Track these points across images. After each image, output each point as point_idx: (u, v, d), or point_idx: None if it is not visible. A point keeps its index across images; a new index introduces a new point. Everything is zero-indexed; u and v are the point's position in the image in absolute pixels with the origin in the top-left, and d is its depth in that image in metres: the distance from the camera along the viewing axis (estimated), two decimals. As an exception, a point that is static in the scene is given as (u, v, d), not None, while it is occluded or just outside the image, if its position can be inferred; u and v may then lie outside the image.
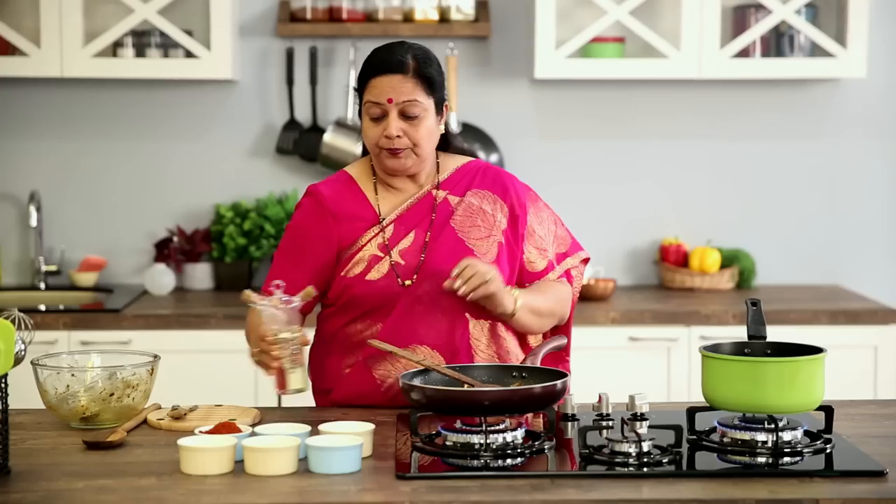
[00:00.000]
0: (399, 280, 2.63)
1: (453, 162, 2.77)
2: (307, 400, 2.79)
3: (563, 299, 2.76)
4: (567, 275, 2.80)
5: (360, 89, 2.68)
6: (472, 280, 2.54)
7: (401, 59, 2.62)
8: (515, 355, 2.70)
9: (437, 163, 2.75)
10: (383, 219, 2.68)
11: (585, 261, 2.84)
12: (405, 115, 2.61)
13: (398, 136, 2.61)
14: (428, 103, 2.63)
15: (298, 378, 2.46)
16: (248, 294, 2.47)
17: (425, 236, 2.67)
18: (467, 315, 2.65)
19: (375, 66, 2.63)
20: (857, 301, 4.33)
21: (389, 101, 2.61)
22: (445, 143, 2.78)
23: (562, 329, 2.81)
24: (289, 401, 4.04)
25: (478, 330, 2.66)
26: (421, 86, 2.62)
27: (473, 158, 2.80)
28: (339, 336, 2.69)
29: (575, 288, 2.82)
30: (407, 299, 2.63)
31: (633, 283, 4.69)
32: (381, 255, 2.65)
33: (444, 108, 2.69)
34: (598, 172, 4.66)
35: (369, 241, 2.66)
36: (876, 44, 4.57)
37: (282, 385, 2.47)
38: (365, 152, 2.77)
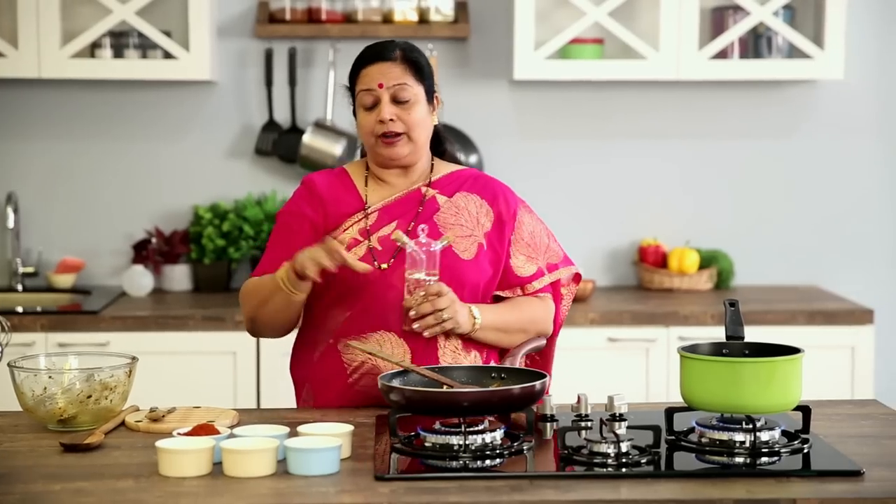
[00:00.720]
0: (376, 263, 2.65)
1: (447, 167, 2.81)
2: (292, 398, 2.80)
3: (539, 316, 2.76)
4: (556, 288, 2.80)
5: (352, 85, 2.74)
6: (427, 319, 2.58)
7: (388, 49, 2.71)
8: (478, 347, 2.70)
9: (432, 164, 2.78)
10: (368, 206, 2.71)
11: (577, 279, 2.85)
12: (397, 101, 2.67)
13: (391, 120, 2.66)
14: (418, 90, 2.69)
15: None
16: (399, 234, 2.61)
17: (407, 226, 2.69)
18: None
19: (365, 58, 2.72)
20: (835, 302, 4.35)
21: (380, 85, 2.67)
22: (441, 149, 2.82)
23: (547, 342, 2.81)
24: (268, 401, 4.04)
25: None
26: (409, 71, 2.69)
27: (468, 168, 2.83)
28: (316, 321, 2.71)
29: (564, 306, 2.83)
30: (379, 285, 2.64)
31: (611, 283, 4.70)
32: (360, 239, 2.68)
33: (434, 100, 2.73)
34: (577, 173, 4.67)
35: (351, 225, 2.70)
36: (853, 45, 4.59)
37: (409, 322, 2.60)
38: (364, 154, 2.81)
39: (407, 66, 2.69)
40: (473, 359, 2.69)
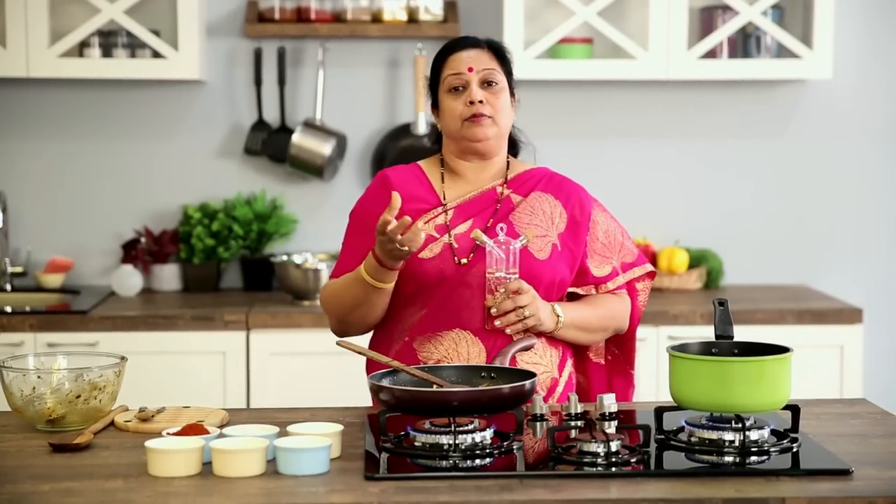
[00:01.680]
0: (455, 258, 2.65)
1: (521, 166, 2.83)
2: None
3: (618, 313, 2.79)
4: (631, 286, 2.83)
5: (437, 73, 2.74)
6: (509, 316, 2.59)
7: (475, 38, 2.76)
8: (554, 345, 2.71)
9: (507, 162, 2.79)
10: (446, 203, 2.72)
11: (651, 275, 2.87)
12: (485, 84, 2.69)
13: (481, 102, 2.67)
14: (503, 79, 2.72)
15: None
16: (479, 232, 2.62)
17: (485, 225, 2.69)
18: None
19: (453, 45, 2.75)
20: (823, 301, 4.36)
21: (470, 69, 2.70)
22: (514, 151, 2.85)
23: (626, 338, 2.85)
24: (258, 401, 4.04)
25: None
26: (496, 60, 2.72)
27: (542, 167, 2.84)
28: (391, 319, 2.70)
29: (640, 302, 2.85)
30: (455, 283, 2.64)
31: (601, 283, 4.70)
32: (436, 235, 2.67)
33: (514, 96, 2.76)
34: (565, 173, 4.65)
35: (428, 221, 2.69)
36: (842, 45, 4.61)
37: (491, 321, 2.61)
38: (432, 151, 2.82)
39: (494, 55, 2.72)
40: (550, 358, 2.70)
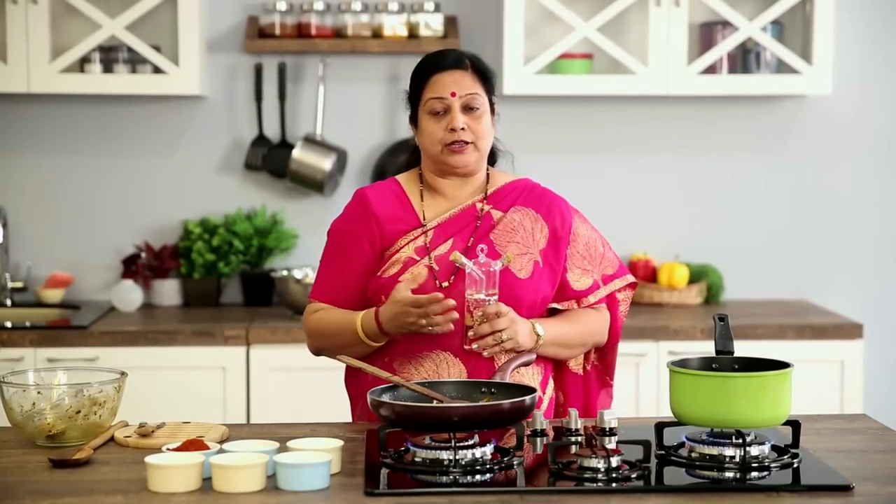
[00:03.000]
0: (436, 281, 2.64)
1: (502, 178, 2.81)
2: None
3: (597, 328, 2.78)
4: (612, 297, 2.82)
5: (417, 91, 2.71)
6: (486, 340, 2.59)
7: (458, 57, 2.71)
8: (535, 363, 2.71)
9: (487, 175, 2.78)
10: (425, 223, 2.70)
11: (633, 286, 2.86)
12: (467, 109, 2.67)
13: (462, 129, 2.65)
14: (485, 101, 2.70)
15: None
16: (458, 255, 2.58)
17: (465, 244, 2.68)
18: None
19: (435, 65, 2.70)
20: (824, 316, 4.36)
21: (453, 94, 2.66)
22: (493, 159, 2.83)
23: (607, 349, 2.84)
24: (258, 416, 4.04)
25: None
26: (479, 81, 2.69)
27: (523, 178, 2.83)
28: None
29: (621, 312, 2.84)
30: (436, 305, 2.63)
31: (601, 298, 4.69)
32: (416, 258, 2.66)
33: (494, 111, 2.74)
34: (566, 188, 4.62)
35: (408, 243, 2.68)
36: (841, 60, 4.61)
37: (469, 342, 2.61)
38: (410, 165, 2.80)
39: (476, 75, 2.69)
40: (531, 376, 2.69)
